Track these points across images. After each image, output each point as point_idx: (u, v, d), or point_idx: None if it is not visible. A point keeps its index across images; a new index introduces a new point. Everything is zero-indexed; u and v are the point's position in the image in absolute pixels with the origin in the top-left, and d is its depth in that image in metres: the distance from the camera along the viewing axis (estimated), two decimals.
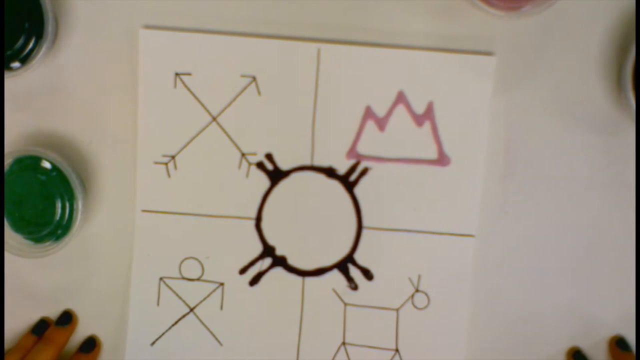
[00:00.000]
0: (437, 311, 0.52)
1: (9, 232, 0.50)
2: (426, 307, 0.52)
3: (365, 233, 0.52)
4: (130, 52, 0.51)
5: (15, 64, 0.49)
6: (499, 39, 0.50)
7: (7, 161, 0.49)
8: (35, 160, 0.49)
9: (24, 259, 0.51)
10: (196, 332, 0.53)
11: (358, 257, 0.52)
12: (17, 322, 0.53)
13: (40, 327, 0.52)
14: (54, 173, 0.50)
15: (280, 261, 0.52)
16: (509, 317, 0.52)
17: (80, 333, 0.53)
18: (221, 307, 0.53)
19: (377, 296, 0.52)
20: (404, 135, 0.51)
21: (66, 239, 0.49)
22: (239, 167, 0.52)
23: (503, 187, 0.51)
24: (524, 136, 0.51)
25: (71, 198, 0.50)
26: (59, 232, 0.50)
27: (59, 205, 0.50)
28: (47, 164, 0.50)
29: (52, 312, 0.53)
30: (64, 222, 0.50)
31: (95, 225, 0.52)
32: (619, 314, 0.52)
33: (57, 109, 0.51)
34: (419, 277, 0.52)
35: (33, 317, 0.53)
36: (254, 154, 0.51)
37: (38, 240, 0.50)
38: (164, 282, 0.53)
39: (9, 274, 0.53)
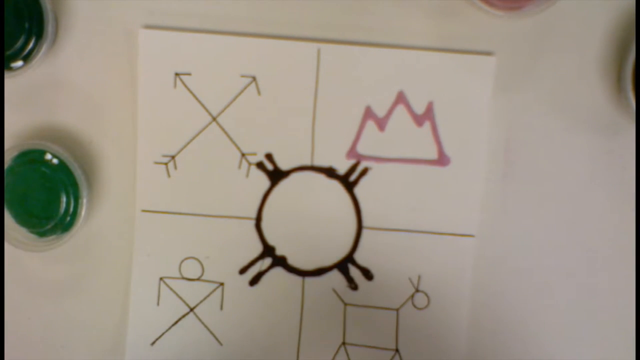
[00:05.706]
0: (437, 311, 0.52)
1: (13, 225, 0.50)
2: (426, 307, 0.52)
3: (365, 233, 0.52)
4: (130, 52, 0.51)
5: (16, 64, 0.49)
6: (499, 39, 0.50)
7: (12, 154, 0.49)
8: (40, 153, 0.50)
9: (27, 253, 0.51)
10: (196, 332, 0.53)
11: (358, 257, 0.52)
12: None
13: None
14: (58, 166, 0.50)
15: (280, 261, 0.52)
16: (509, 317, 0.52)
17: (81, 333, 0.53)
18: (221, 307, 0.53)
19: (377, 296, 0.52)
20: (403, 135, 0.51)
21: (71, 232, 0.50)
22: (239, 167, 0.52)
23: (503, 187, 0.51)
24: (524, 136, 0.51)
25: (75, 191, 0.50)
26: (63, 225, 0.50)
27: (63, 198, 0.50)
28: (51, 157, 0.50)
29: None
30: (69, 215, 0.50)
31: (95, 225, 0.52)
32: (619, 314, 0.52)
33: (56, 109, 0.51)
34: (419, 277, 0.52)
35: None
36: (254, 154, 0.51)
37: (42, 234, 0.50)
38: (164, 282, 0.53)
39: (13, 267, 0.52)
